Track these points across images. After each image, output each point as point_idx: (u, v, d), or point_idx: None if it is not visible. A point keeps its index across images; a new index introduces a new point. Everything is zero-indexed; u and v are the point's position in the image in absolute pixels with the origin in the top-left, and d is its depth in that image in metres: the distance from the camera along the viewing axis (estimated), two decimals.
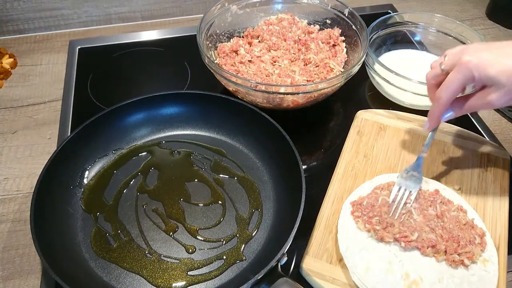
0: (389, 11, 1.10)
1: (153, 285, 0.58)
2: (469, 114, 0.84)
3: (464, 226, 0.60)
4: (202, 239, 0.62)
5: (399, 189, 0.63)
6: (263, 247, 0.61)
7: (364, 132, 0.76)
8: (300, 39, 0.84)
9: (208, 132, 0.77)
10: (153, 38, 1.01)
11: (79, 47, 0.98)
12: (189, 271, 0.59)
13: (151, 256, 0.60)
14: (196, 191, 0.68)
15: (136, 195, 0.67)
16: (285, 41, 0.85)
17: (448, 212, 0.61)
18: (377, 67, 0.78)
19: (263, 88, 0.69)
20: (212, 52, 0.85)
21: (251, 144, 0.74)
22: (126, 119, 0.74)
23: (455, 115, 0.60)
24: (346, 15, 0.85)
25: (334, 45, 0.86)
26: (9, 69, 0.92)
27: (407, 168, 0.65)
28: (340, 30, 0.87)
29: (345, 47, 0.86)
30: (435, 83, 0.61)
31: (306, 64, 0.82)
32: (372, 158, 0.72)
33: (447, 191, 0.65)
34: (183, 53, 0.96)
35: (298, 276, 0.60)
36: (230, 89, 0.76)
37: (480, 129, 0.82)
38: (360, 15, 0.82)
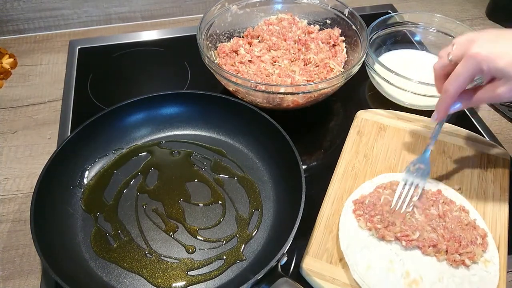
0: (389, 11, 1.10)
1: (153, 285, 0.57)
2: (469, 114, 0.84)
3: (466, 226, 0.60)
4: (202, 239, 0.62)
5: (406, 183, 0.63)
6: (263, 247, 0.61)
7: (364, 132, 0.76)
8: (300, 39, 0.84)
9: (208, 132, 0.77)
10: (153, 38, 1.01)
11: (79, 47, 0.98)
12: (189, 271, 0.59)
13: (151, 256, 0.60)
14: (196, 191, 0.68)
15: (136, 195, 0.67)
16: (285, 41, 0.85)
17: (450, 212, 0.61)
18: (377, 67, 0.78)
19: (263, 88, 0.69)
20: (212, 52, 0.85)
21: (251, 144, 0.74)
22: (126, 119, 0.74)
23: (463, 106, 0.58)
24: (346, 15, 0.85)
25: (334, 45, 0.86)
26: (9, 69, 0.92)
27: (414, 160, 0.65)
28: (340, 30, 0.87)
29: (345, 47, 0.86)
30: (443, 73, 0.59)
31: (306, 64, 0.82)
32: (372, 158, 0.72)
33: (449, 192, 0.65)
34: (183, 53, 0.96)
35: (298, 276, 0.60)
36: (230, 89, 0.76)
37: (480, 129, 0.82)
38: (360, 15, 0.82)
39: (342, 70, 0.81)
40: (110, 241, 0.62)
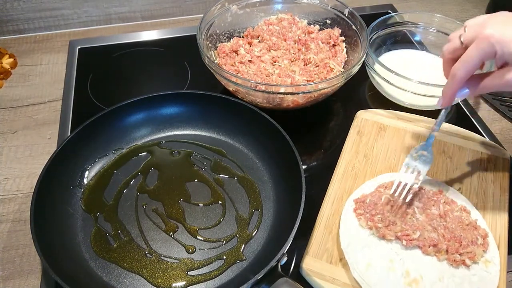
0: (389, 11, 1.10)
1: (153, 285, 0.57)
2: (469, 114, 0.84)
3: (467, 226, 0.60)
4: (202, 239, 0.62)
5: (407, 170, 0.62)
6: (263, 247, 0.61)
7: (364, 132, 0.76)
8: (300, 39, 0.84)
9: (208, 132, 0.77)
10: (153, 38, 1.01)
11: (79, 47, 0.98)
12: (189, 271, 0.59)
13: (151, 256, 0.60)
14: (196, 191, 0.68)
15: (136, 195, 0.67)
16: (285, 41, 0.85)
17: (451, 212, 0.61)
18: (377, 67, 0.78)
19: (263, 88, 0.69)
20: (212, 52, 0.85)
21: (251, 144, 0.74)
22: (126, 119, 0.74)
23: (470, 93, 0.55)
24: (346, 15, 0.85)
25: (334, 45, 0.85)
26: (9, 69, 0.92)
27: (417, 147, 0.64)
28: (340, 30, 0.87)
29: (345, 47, 0.86)
30: (452, 57, 0.56)
31: (306, 64, 0.82)
32: (372, 158, 0.72)
33: (451, 192, 0.65)
34: (183, 53, 0.96)
35: (298, 276, 0.60)
36: (230, 89, 0.76)
37: (480, 129, 0.82)
38: (360, 15, 0.82)
39: (342, 70, 0.81)
40: (110, 241, 0.62)
